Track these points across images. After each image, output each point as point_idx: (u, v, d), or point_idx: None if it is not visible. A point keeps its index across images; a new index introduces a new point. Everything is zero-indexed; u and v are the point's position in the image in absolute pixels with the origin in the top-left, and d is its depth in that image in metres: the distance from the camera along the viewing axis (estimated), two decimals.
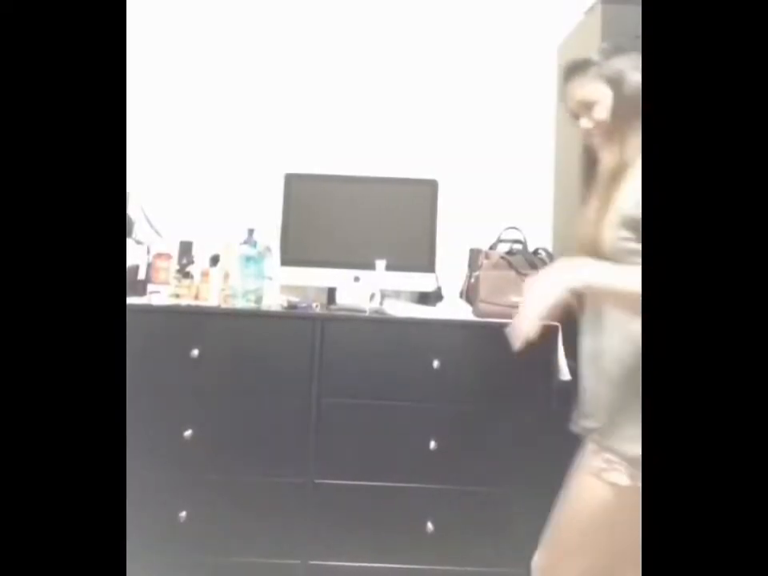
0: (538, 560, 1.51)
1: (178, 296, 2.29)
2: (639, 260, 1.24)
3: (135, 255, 2.40)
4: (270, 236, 2.58)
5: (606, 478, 1.37)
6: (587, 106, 1.52)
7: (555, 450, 2.16)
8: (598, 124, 1.51)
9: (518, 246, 2.45)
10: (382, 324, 2.13)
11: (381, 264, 2.31)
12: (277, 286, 2.45)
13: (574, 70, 1.56)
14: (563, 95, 1.60)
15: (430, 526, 2.06)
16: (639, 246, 1.33)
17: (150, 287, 2.35)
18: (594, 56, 1.54)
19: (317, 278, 2.48)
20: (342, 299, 2.32)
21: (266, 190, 2.59)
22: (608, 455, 1.38)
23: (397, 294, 2.53)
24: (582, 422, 1.53)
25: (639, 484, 1.15)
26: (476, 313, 2.29)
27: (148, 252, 2.45)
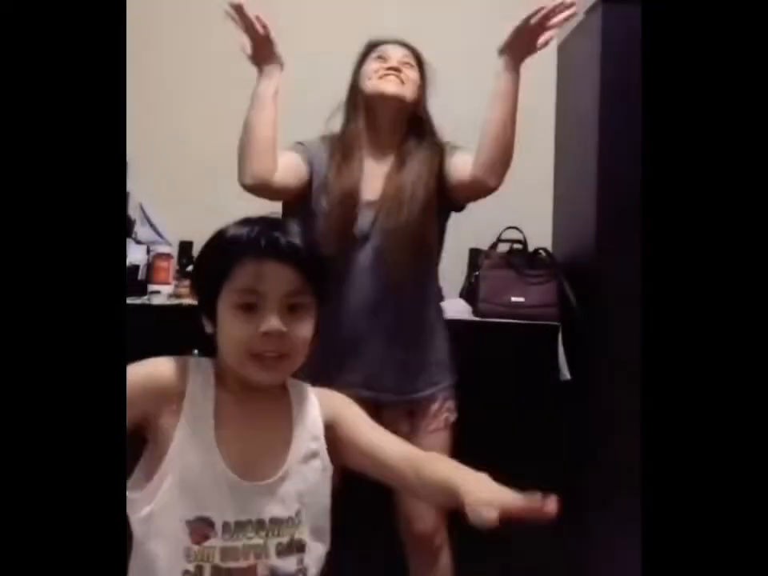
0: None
1: (178, 296, 2.29)
2: None
3: (135, 255, 2.40)
4: None
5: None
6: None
7: (555, 449, 2.17)
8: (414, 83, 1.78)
9: (518, 246, 2.45)
10: None
11: None
12: None
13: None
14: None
15: None
16: None
17: (150, 287, 2.35)
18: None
19: None
20: None
21: None
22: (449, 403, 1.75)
23: None
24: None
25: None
26: (476, 313, 2.29)
27: (148, 252, 2.45)
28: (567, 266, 2.40)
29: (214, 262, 1.06)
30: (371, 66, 1.80)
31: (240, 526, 0.99)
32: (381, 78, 1.75)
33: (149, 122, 2.59)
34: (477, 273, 2.35)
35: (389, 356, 1.68)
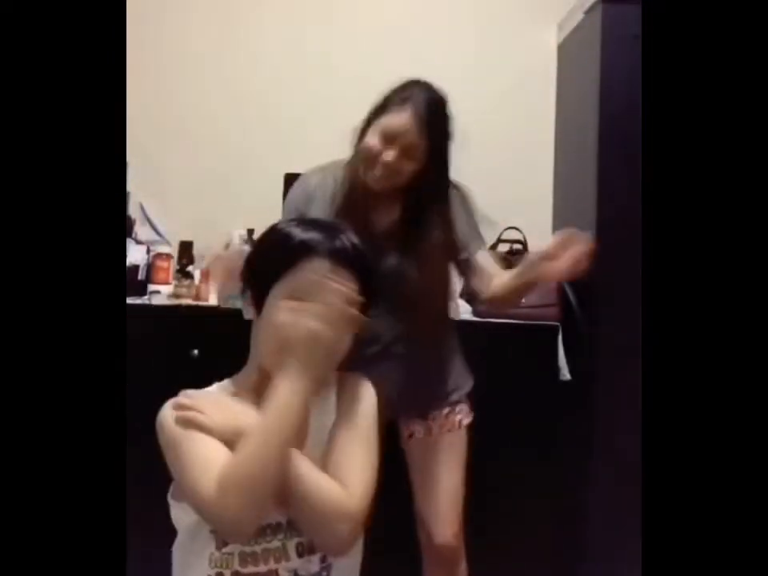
0: None
1: (178, 296, 2.29)
2: None
3: (135, 255, 2.40)
4: None
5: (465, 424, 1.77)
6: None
7: (555, 449, 2.17)
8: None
9: (518, 246, 2.45)
10: None
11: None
12: None
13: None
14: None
15: None
16: None
17: (150, 287, 2.35)
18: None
19: None
20: None
21: (266, 189, 2.58)
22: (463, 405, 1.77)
23: None
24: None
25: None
26: (476, 313, 2.29)
27: (148, 252, 2.45)
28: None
29: (274, 260, 1.08)
30: (372, 140, 1.62)
31: (257, 530, 0.97)
32: (373, 168, 1.62)
33: (149, 123, 2.59)
34: None
35: (407, 383, 1.69)
